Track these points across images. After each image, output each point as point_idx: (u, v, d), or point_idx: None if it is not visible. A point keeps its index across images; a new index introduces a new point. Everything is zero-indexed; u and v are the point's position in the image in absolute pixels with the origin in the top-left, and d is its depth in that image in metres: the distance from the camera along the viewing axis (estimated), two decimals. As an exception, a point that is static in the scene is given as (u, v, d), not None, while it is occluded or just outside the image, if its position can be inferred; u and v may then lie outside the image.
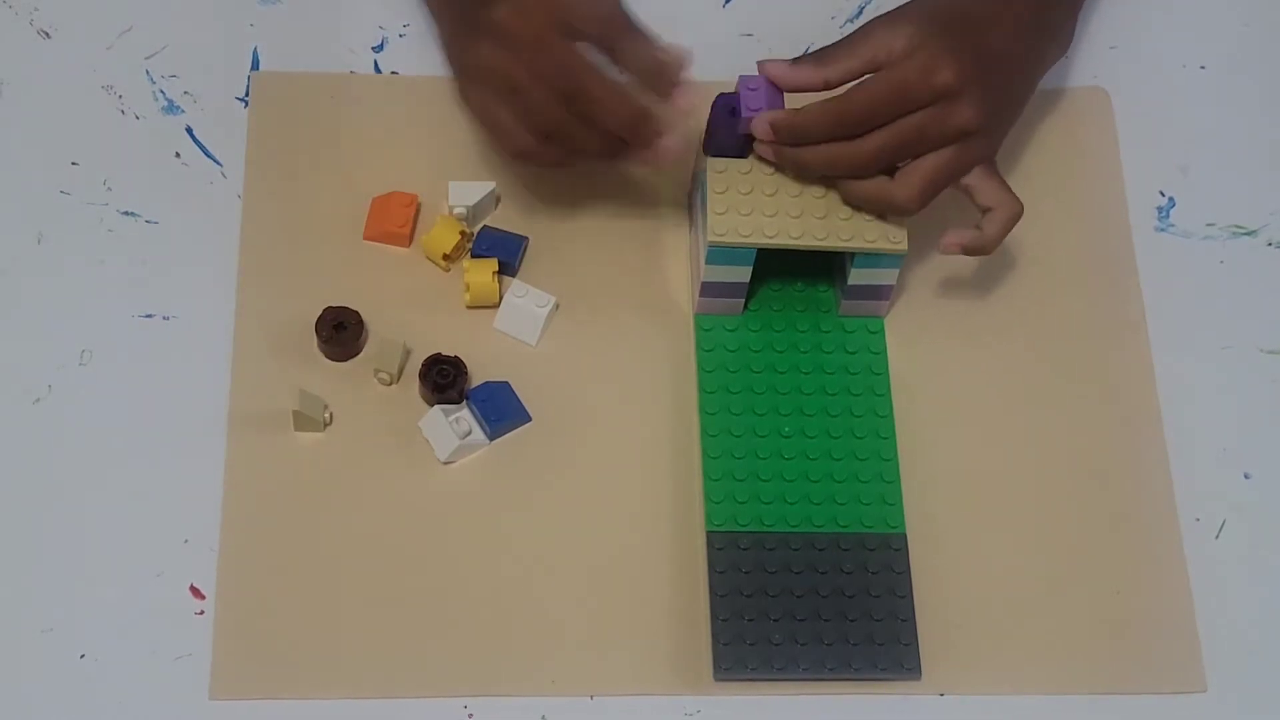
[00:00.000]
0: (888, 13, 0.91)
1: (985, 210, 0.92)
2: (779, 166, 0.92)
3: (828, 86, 0.91)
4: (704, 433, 0.94)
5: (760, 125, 0.91)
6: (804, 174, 0.92)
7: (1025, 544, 0.94)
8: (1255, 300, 1.02)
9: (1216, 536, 0.95)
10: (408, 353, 0.95)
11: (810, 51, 0.92)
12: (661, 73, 0.89)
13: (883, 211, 0.92)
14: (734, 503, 0.92)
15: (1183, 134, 1.06)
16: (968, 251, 0.93)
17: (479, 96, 0.92)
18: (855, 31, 0.91)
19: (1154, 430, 0.97)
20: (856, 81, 0.89)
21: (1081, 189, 1.04)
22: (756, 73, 0.92)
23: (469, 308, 0.97)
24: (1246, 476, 0.97)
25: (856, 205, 0.92)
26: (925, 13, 0.90)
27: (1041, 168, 0.96)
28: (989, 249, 0.93)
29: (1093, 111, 1.06)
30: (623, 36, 0.89)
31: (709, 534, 0.91)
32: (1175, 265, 1.02)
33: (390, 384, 0.94)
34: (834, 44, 0.91)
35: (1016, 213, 0.92)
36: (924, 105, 0.88)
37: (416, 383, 0.95)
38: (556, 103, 0.89)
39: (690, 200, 1.01)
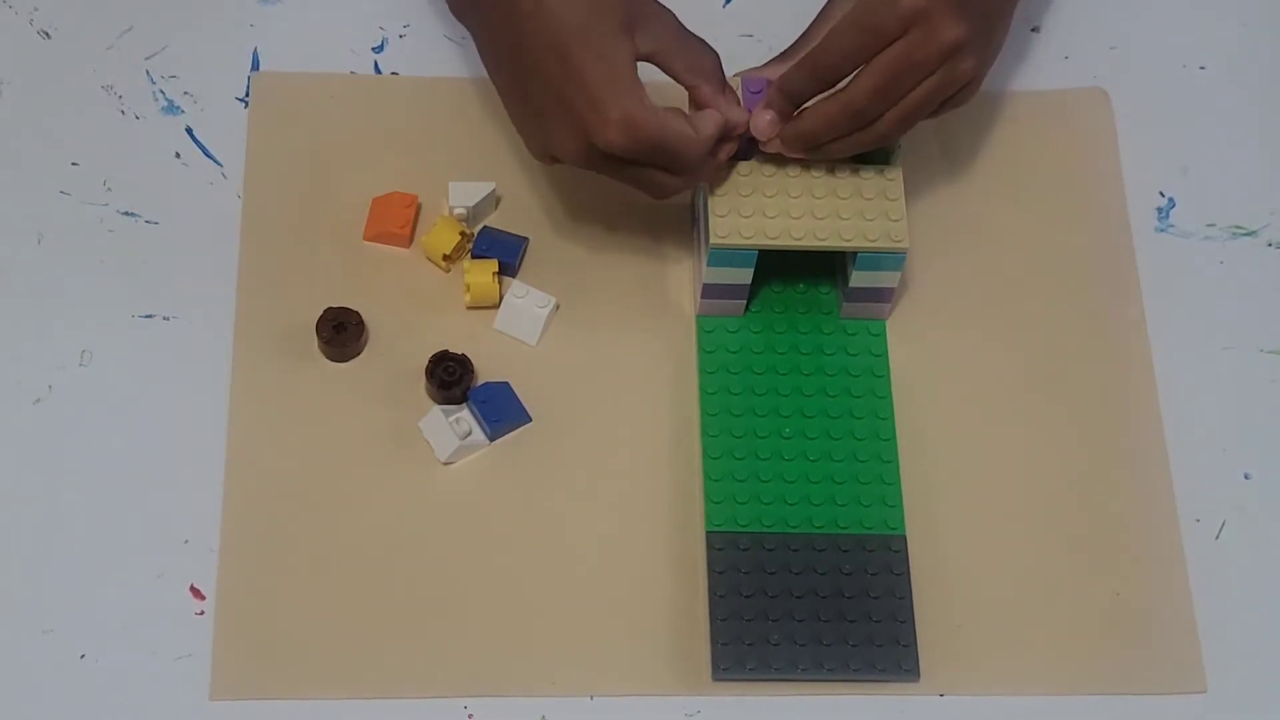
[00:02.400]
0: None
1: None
2: (787, 160, 0.92)
3: None
4: (704, 433, 0.94)
5: (759, 123, 0.91)
6: (816, 154, 0.91)
7: (1025, 545, 0.94)
8: (1255, 300, 1.02)
9: (1216, 537, 0.95)
10: None
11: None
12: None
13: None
14: (734, 503, 0.92)
15: (1183, 134, 1.06)
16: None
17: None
18: (811, 25, 0.93)
19: (1154, 430, 0.97)
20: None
21: (1081, 189, 1.04)
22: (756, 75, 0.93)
23: (469, 308, 0.97)
24: (1246, 476, 0.97)
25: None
26: None
27: (1041, 168, 0.96)
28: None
29: (1092, 112, 1.06)
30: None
31: (708, 534, 0.91)
32: (1175, 265, 1.02)
33: None
34: (796, 40, 0.93)
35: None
36: (898, 35, 0.87)
37: (418, 382, 0.95)
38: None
39: (691, 202, 1.01)
